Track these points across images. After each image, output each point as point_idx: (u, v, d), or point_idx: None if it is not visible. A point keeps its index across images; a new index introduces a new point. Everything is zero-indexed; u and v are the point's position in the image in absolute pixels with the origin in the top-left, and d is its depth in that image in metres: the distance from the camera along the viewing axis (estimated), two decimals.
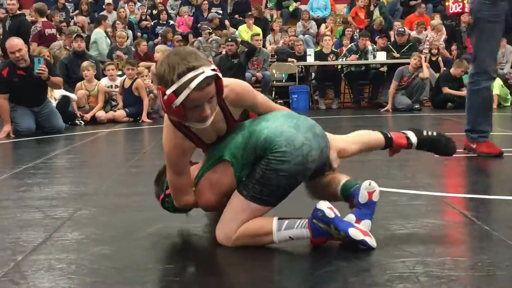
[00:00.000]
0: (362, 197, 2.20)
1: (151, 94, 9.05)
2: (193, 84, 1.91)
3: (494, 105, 9.69)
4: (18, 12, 9.41)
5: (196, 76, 1.92)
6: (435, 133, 2.63)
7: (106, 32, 11.46)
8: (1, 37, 10.04)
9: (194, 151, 2.30)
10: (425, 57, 10.34)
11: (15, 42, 6.86)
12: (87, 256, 2.18)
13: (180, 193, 2.30)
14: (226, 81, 2.10)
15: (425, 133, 2.61)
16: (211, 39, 11.55)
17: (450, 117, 8.24)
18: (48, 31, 9.76)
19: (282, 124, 2.18)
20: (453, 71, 9.83)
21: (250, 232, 2.15)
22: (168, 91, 1.92)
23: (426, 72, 9.84)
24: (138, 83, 8.57)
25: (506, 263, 2.01)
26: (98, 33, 11.05)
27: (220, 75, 2.00)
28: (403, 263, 2.01)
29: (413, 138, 2.57)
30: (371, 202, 2.21)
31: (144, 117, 8.46)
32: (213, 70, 1.97)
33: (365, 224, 2.19)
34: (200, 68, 1.93)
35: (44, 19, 10.08)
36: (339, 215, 2.08)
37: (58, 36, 10.75)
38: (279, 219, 2.15)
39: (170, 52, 2.03)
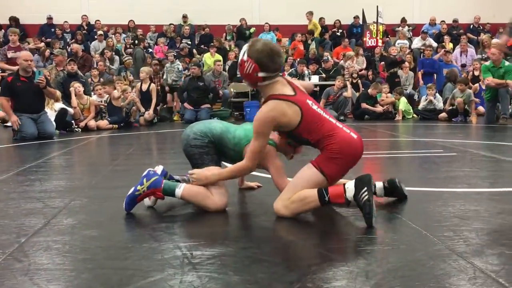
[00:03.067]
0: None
1: (134, 107, 8.92)
2: None
3: (400, 117, 9.96)
4: None
5: None
6: (365, 200, 2.21)
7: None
8: None
9: None
10: (347, 80, 10.55)
11: (29, 53, 7.37)
12: (79, 238, 2.13)
13: None
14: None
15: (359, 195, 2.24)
16: (175, 64, 11.33)
17: (367, 127, 8.40)
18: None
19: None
20: (370, 91, 10.02)
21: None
22: None
23: (349, 92, 10.04)
24: (113, 95, 8.61)
25: (407, 239, 2.06)
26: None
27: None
28: (331, 240, 2.04)
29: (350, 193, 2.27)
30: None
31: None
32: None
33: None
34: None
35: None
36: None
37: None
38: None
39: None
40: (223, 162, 2.80)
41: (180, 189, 2.51)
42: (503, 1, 15.04)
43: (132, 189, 2.54)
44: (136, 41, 13.36)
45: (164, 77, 11.05)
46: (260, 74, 2.37)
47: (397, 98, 10.18)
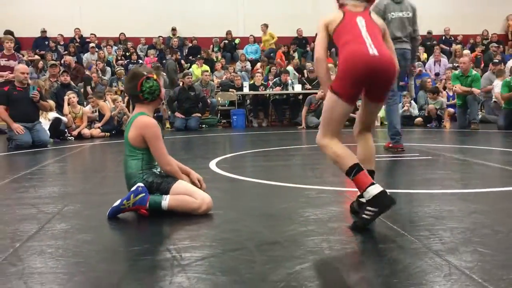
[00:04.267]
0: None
1: (125, 116, 8.86)
2: None
3: (378, 123, 10.03)
4: None
5: None
6: (365, 217, 2.17)
7: None
8: None
9: None
10: None
11: (25, 66, 7.56)
12: (72, 242, 2.10)
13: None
14: None
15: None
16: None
17: (347, 132, 8.40)
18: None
19: None
20: None
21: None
22: None
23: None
24: (101, 105, 8.62)
25: (385, 238, 2.07)
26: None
27: None
28: (312, 241, 2.04)
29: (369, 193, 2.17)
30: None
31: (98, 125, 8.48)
32: None
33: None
34: None
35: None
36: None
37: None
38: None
39: None
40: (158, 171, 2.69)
41: (166, 200, 2.48)
42: (470, 14, 15.31)
43: (118, 202, 2.49)
44: (127, 53, 13.32)
45: None
46: None
47: None
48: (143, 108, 2.66)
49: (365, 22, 2.37)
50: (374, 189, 2.17)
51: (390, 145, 5.31)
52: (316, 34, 2.50)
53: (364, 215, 2.16)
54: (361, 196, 2.33)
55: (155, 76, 2.66)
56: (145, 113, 2.64)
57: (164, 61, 12.48)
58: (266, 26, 14.14)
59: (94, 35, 13.97)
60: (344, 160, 2.27)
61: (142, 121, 2.59)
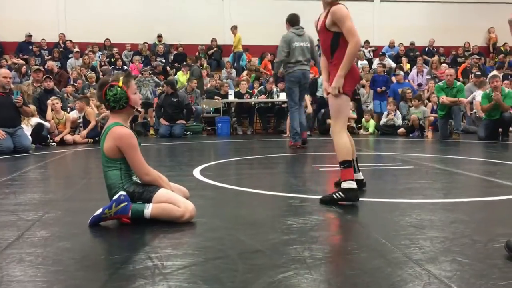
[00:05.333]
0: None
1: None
2: None
3: (364, 132, 10.12)
4: None
5: None
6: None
7: None
8: None
9: None
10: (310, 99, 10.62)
11: (7, 70, 7.47)
12: (52, 250, 2.07)
13: None
14: None
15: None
16: (148, 78, 11.29)
17: (331, 141, 8.45)
18: None
19: None
20: None
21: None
22: None
23: (309, 108, 10.07)
24: (87, 111, 8.57)
25: (367, 247, 2.08)
26: None
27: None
28: (295, 249, 2.04)
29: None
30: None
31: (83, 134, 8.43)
32: None
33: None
34: None
35: None
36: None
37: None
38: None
39: None
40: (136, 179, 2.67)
41: (149, 209, 2.46)
42: (454, 26, 15.59)
43: (100, 210, 2.46)
44: (112, 59, 13.25)
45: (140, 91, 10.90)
46: None
47: (367, 120, 10.41)
48: (116, 118, 2.62)
49: None
50: (352, 184, 2.94)
51: (291, 144, 6.98)
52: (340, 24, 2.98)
53: (334, 195, 2.93)
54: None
55: (120, 83, 2.58)
56: (119, 123, 2.59)
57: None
58: (235, 27, 14.08)
59: (70, 40, 13.84)
60: (343, 154, 3.01)
61: (116, 132, 2.55)
